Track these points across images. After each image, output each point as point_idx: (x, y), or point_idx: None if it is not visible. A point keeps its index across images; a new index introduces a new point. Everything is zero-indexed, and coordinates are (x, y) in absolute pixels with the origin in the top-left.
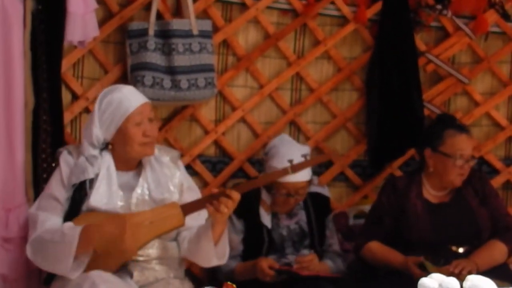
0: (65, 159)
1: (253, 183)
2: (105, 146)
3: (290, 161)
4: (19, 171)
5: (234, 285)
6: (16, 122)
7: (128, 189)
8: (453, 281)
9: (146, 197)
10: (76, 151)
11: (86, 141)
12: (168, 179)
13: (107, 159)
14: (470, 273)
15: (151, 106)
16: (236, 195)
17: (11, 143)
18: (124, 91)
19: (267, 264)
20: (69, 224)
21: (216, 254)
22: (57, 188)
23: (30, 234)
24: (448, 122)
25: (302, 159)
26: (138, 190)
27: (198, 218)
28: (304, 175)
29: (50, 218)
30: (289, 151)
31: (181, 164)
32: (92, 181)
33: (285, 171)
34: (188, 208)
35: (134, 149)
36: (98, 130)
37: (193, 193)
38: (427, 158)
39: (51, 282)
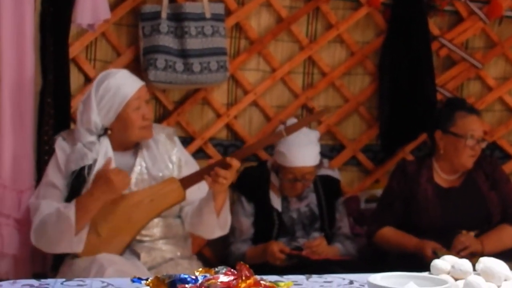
0: (61, 145)
1: (248, 149)
2: (104, 131)
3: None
4: (30, 153)
5: (247, 266)
6: (27, 104)
7: (127, 169)
8: (465, 263)
9: (145, 176)
10: (71, 137)
11: (83, 127)
12: (165, 156)
13: (105, 144)
14: (473, 254)
15: (146, 87)
16: (235, 162)
17: (23, 125)
18: (120, 76)
19: (278, 248)
20: (64, 203)
21: (218, 224)
22: (55, 175)
23: (32, 222)
24: (458, 104)
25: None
26: (136, 169)
27: (199, 192)
28: (311, 160)
29: (50, 205)
30: (298, 138)
31: (177, 140)
32: (90, 167)
33: (279, 134)
34: (187, 182)
35: (134, 133)
36: (97, 116)
37: (191, 167)
38: (438, 140)
39: (58, 269)
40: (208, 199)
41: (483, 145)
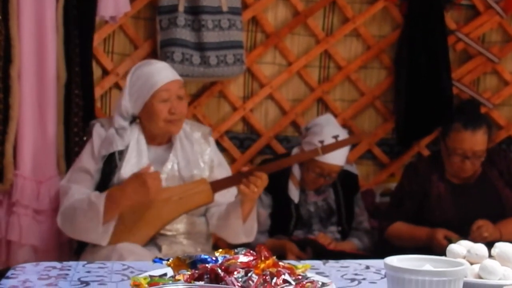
0: (98, 131)
1: (282, 162)
2: (133, 119)
3: (321, 142)
4: (50, 144)
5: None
6: (48, 96)
7: (159, 164)
8: (481, 248)
9: (176, 173)
10: (108, 124)
11: (117, 112)
12: (198, 155)
13: (136, 132)
14: (487, 239)
15: (181, 83)
16: (265, 176)
17: (43, 117)
18: (155, 66)
19: (292, 247)
20: (96, 192)
21: (244, 231)
22: (88, 161)
23: (60, 205)
24: (462, 114)
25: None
26: (169, 166)
27: (227, 195)
28: (342, 159)
29: (80, 190)
30: (334, 133)
31: (211, 140)
32: (121, 153)
33: (315, 152)
34: (218, 185)
35: (159, 125)
36: (127, 103)
37: (223, 170)
38: (440, 140)
39: (81, 253)
40: (236, 205)
41: (477, 160)
